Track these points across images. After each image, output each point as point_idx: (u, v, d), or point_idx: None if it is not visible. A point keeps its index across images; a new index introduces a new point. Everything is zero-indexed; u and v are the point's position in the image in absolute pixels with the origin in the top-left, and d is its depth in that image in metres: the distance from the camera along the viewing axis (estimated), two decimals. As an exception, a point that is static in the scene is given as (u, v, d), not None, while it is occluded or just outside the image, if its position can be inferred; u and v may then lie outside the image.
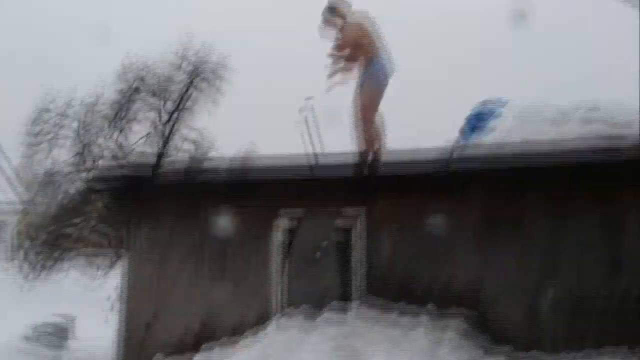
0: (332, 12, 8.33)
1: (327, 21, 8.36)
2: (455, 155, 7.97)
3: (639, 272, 6.80)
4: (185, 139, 28.96)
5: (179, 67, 28.47)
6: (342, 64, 8.34)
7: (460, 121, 9.66)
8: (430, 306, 7.44)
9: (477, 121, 9.13)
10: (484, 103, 9.43)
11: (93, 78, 27.17)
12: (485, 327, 7.31)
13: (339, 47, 8.30)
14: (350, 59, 8.28)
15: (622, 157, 6.94)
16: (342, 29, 8.30)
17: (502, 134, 8.19)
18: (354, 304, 7.77)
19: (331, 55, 8.33)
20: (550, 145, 7.25)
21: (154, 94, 28.40)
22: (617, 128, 7.51)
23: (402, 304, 7.54)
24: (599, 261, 7.00)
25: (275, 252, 8.41)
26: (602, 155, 7.02)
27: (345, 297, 7.96)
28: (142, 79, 28.00)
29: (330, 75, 8.32)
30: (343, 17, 8.30)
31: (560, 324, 7.16)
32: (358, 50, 8.20)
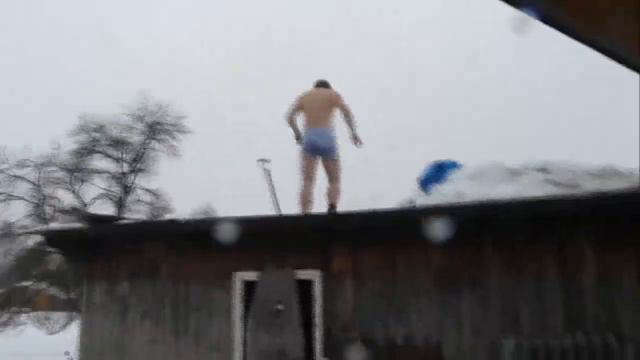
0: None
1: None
2: (414, 207, 8.12)
3: (598, 323, 6.89)
4: (141, 199, 29.14)
5: (132, 129, 28.77)
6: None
7: (412, 182, 9.88)
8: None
9: (434, 174, 9.27)
10: (438, 164, 9.57)
11: (47, 138, 27.48)
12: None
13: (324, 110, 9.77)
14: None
15: (577, 206, 7.08)
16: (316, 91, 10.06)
17: (456, 194, 8.31)
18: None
19: None
20: (507, 200, 7.39)
21: (113, 146, 28.56)
22: (567, 188, 7.70)
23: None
24: (558, 313, 7.08)
25: (236, 306, 8.39)
26: (559, 206, 7.16)
27: (306, 355, 7.95)
28: (101, 132, 28.16)
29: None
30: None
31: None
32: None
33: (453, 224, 6.86)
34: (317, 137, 9.60)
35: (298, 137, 9.89)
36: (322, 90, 10.06)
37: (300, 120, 9.98)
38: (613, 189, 7.20)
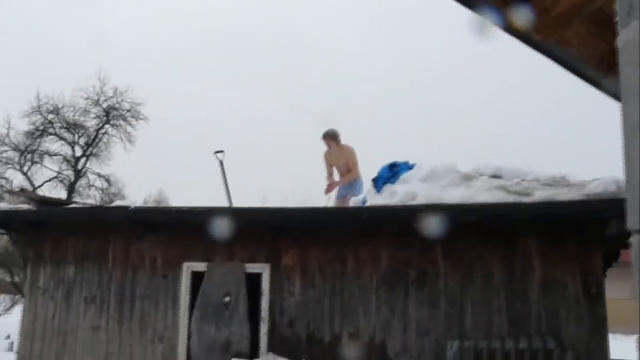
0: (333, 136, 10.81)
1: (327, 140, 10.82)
2: (364, 208, 8.17)
3: (541, 328, 7.01)
4: (93, 184, 28.74)
5: (89, 112, 28.33)
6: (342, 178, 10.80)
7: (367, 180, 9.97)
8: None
9: (387, 174, 9.27)
10: (392, 164, 9.57)
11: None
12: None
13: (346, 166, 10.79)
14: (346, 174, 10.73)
15: (525, 213, 7.21)
16: (337, 149, 10.79)
17: (408, 195, 8.34)
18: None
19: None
20: (455, 204, 7.47)
21: (67, 129, 28.09)
22: (517, 195, 7.80)
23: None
24: (503, 317, 7.19)
25: (183, 297, 8.34)
26: (506, 211, 7.28)
27: (251, 349, 7.93)
28: (55, 115, 27.69)
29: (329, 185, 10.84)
30: (337, 140, 10.82)
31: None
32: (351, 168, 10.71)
33: (402, 225, 6.92)
34: (349, 191, 10.49)
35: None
36: (339, 149, 10.91)
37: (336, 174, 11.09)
38: (562, 199, 7.31)
